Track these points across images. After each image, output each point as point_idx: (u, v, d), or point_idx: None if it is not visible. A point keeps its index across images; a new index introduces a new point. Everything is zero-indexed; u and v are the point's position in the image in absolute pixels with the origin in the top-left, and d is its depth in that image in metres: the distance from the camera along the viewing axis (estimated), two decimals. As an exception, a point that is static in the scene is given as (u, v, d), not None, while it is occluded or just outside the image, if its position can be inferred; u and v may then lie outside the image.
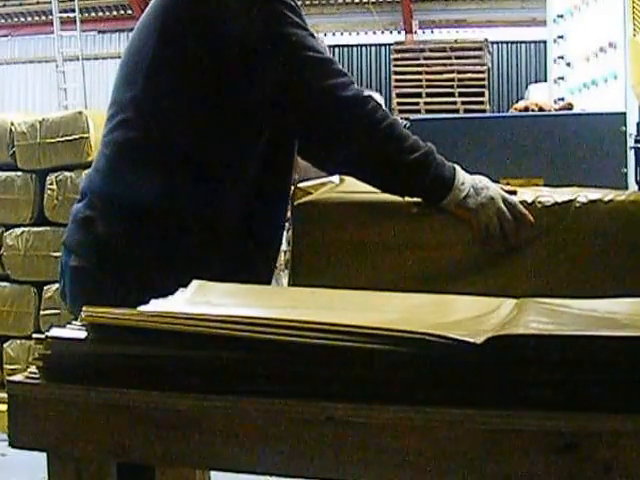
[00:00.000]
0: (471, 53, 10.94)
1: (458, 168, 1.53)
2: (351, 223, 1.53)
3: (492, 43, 11.39)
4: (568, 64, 4.62)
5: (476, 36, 11.36)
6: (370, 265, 1.51)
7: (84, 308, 1.00)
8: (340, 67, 1.55)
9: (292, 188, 1.64)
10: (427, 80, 10.90)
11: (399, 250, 1.50)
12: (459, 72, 10.81)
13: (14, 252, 4.22)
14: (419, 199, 1.51)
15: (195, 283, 1.23)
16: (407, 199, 1.53)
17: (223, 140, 1.58)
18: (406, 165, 1.50)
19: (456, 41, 11.19)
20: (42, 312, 4.24)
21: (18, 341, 4.18)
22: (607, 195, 1.44)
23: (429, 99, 10.76)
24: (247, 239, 1.63)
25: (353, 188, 1.60)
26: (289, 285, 1.58)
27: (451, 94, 10.83)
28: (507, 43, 11.90)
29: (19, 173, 4.26)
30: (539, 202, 1.46)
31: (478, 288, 1.41)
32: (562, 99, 4.40)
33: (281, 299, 1.27)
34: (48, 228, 4.27)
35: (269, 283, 1.71)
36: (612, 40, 3.93)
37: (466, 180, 1.51)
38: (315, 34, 1.58)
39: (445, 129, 2.14)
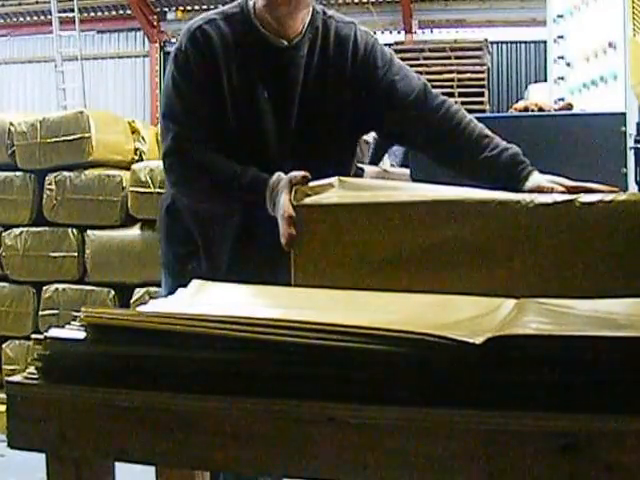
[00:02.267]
0: (471, 53, 10.93)
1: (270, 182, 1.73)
2: (350, 224, 1.53)
3: (492, 43, 11.37)
4: (568, 64, 4.61)
5: (476, 36, 11.35)
6: (369, 265, 1.51)
7: (82, 309, 1.00)
8: (175, 120, 1.90)
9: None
10: (427, 80, 10.87)
11: (398, 251, 1.49)
12: (459, 72, 10.80)
13: (13, 252, 4.22)
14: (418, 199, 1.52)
15: (195, 283, 1.23)
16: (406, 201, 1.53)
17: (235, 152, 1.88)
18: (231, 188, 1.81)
19: (456, 41, 11.18)
20: (41, 312, 4.24)
21: (17, 341, 4.18)
22: (608, 195, 1.44)
23: (429, 99, 10.72)
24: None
25: (353, 189, 1.60)
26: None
27: (451, 94, 10.80)
28: (507, 43, 11.88)
29: (18, 173, 4.26)
30: (539, 202, 1.46)
31: (477, 288, 1.40)
32: (562, 99, 4.39)
33: (281, 299, 1.27)
34: (47, 228, 4.27)
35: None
36: (612, 40, 3.93)
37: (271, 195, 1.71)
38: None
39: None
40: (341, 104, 1.93)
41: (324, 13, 2.00)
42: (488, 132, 1.86)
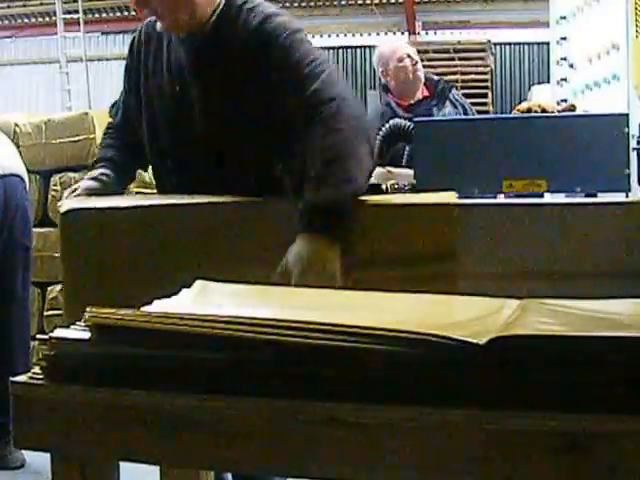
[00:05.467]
0: (474, 54, 10.90)
1: None
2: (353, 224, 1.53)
3: (495, 44, 11.37)
4: (571, 65, 4.61)
5: (479, 37, 11.33)
6: (373, 265, 1.51)
7: (87, 309, 1.01)
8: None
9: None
10: (430, 81, 10.84)
11: (401, 250, 1.50)
12: (462, 73, 10.77)
13: (18, 253, 4.21)
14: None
15: (199, 283, 1.23)
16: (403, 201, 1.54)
17: None
18: None
19: (459, 42, 11.17)
20: (46, 313, 4.24)
21: (22, 342, 4.17)
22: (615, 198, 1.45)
23: (432, 100, 10.70)
24: None
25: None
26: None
27: (454, 95, 10.77)
28: (510, 44, 11.88)
29: (23, 174, 4.26)
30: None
31: (480, 289, 1.41)
32: (565, 100, 4.39)
33: (284, 299, 1.28)
34: (52, 229, 4.28)
35: None
36: (615, 41, 3.92)
37: None
38: None
39: (448, 130, 2.14)
40: (245, 99, 1.84)
41: (244, 3, 1.90)
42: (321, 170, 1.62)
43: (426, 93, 3.71)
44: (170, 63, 1.94)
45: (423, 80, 3.70)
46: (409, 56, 3.71)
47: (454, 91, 3.80)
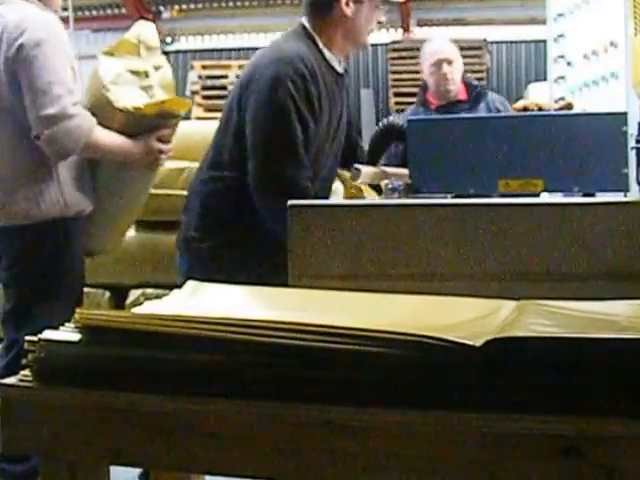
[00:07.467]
0: (470, 52, 10.89)
1: None
2: (350, 225, 1.53)
3: (491, 42, 11.37)
4: (568, 63, 4.60)
5: (475, 35, 11.33)
6: (368, 266, 1.50)
7: (77, 310, 1.00)
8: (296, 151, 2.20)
9: None
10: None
11: (397, 251, 1.49)
12: (458, 71, 10.81)
13: (11, 252, 4.20)
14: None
15: (190, 284, 1.22)
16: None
17: None
18: None
19: (455, 40, 11.18)
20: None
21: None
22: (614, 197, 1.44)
23: (428, 99, 10.71)
24: None
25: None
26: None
27: (450, 93, 10.78)
28: (507, 42, 11.88)
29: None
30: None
31: (478, 291, 1.40)
32: (562, 99, 4.38)
33: (278, 301, 1.27)
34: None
35: None
36: (613, 39, 3.92)
37: None
38: None
39: (444, 129, 2.13)
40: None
41: None
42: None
43: (464, 96, 3.77)
44: (332, 93, 2.29)
45: (457, 87, 3.76)
46: (448, 62, 3.77)
47: (494, 96, 3.88)
